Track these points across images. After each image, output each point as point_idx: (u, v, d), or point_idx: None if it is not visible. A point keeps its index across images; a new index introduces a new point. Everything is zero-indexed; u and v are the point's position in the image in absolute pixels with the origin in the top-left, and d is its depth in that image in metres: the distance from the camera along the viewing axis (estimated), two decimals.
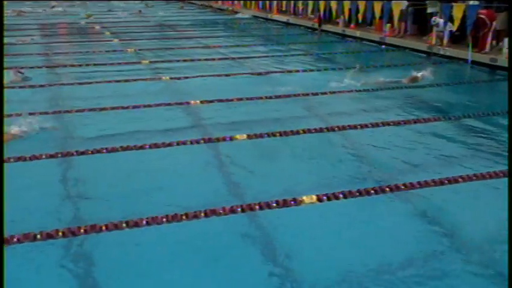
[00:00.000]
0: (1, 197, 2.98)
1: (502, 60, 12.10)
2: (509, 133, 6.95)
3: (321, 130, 7.18)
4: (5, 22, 8.04)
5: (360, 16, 17.84)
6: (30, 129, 6.87)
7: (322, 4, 19.94)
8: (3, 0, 8.04)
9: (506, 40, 12.35)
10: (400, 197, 5.16)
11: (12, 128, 6.71)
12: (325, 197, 4.93)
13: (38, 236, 4.22)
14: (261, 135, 6.87)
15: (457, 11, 13.55)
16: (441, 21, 13.96)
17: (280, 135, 6.94)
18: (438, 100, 9.40)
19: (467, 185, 5.41)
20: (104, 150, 6.23)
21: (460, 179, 5.44)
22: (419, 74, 10.56)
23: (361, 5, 17.59)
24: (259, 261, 4.05)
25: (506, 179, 5.52)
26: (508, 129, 7.15)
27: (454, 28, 13.79)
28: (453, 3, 14.04)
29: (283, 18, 23.57)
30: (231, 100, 8.82)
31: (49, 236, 4.25)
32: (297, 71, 11.96)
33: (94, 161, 6.10)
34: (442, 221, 4.74)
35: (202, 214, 4.59)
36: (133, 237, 4.34)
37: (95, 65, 12.38)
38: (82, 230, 4.33)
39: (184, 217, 4.54)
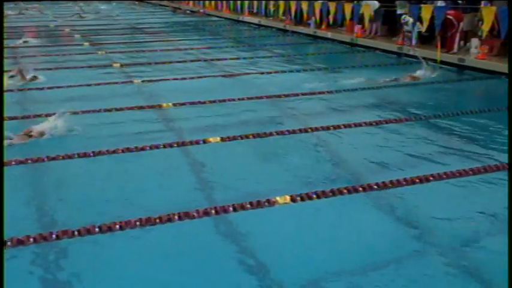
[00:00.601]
0: (1, 197, 2.94)
1: (470, 60, 12.35)
2: (509, 133, 6.99)
3: (293, 132, 7.21)
4: None
5: (330, 17, 18.00)
6: None
7: (293, 5, 20.05)
8: (3, 0, 7.90)
9: (473, 40, 12.62)
10: (373, 196, 5.22)
11: None
12: (298, 198, 4.96)
13: (9, 243, 4.14)
14: (234, 138, 6.87)
15: (426, 12, 13.79)
16: (410, 19, 14.19)
17: (254, 137, 6.95)
18: (409, 100, 9.55)
19: (438, 183, 5.49)
20: (75, 155, 6.16)
21: (431, 178, 5.52)
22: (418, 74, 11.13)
23: (332, 7, 17.74)
24: (234, 263, 4.05)
25: (475, 177, 5.64)
26: (508, 128, 7.21)
27: (423, 29, 14.03)
28: (421, 5, 14.28)
29: (254, 19, 23.63)
30: (204, 102, 8.80)
31: (20, 242, 4.18)
32: (269, 72, 12.01)
33: (65, 165, 6.03)
34: (415, 220, 4.80)
35: (176, 217, 4.58)
36: (106, 241, 4.30)
37: (65, 68, 12.22)
38: (54, 236, 4.27)
39: (158, 220, 4.52)
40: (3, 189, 3.05)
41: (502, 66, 11.48)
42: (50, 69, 11.91)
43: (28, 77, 10.53)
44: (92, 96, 9.38)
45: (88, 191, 5.37)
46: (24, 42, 16.70)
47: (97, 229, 4.36)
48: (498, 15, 11.66)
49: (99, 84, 10.33)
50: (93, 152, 6.24)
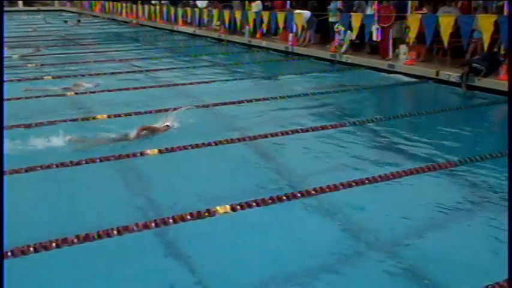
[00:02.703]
0: (1, 198, 2.81)
1: (399, 66, 12.82)
2: (509, 133, 7.20)
3: (232, 140, 7.24)
4: None
5: (264, 26, 18.20)
6: None
7: (226, 15, 20.14)
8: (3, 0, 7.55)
9: (401, 47, 13.12)
10: (312, 201, 5.31)
11: None
12: (238, 207, 4.97)
13: None
14: (172, 149, 6.81)
15: (355, 21, 14.19)
16: (342, 28, 14.57)
17: (192, 147, 6.92)
18: (344, 106, 9.79)
19: (373, 186, 5.65)
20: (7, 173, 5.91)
21: (366, 181, 5.68)
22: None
23: (265, 16, 17.96)
24: (174, 275, 4.02)
25: (409, 177, 5.85)
26: (508, 130, 7.40)
27: (353, 37, 14.43)
28: (352, 13, 14.70)
29: (189, 29, 23.57)
30: (139, 113, 8.69)
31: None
32: (206, 82, 11.99)
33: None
34: (354, 223, 4.92)
35: (115, 232, 4.49)
36: (42, 260, 4.16)
37: None
38: None
39: (96, 236, 4.42)
40: (3, 190, 2.93)
41: (428, 71, 11.99)
42: None
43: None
44: (21, 111, 9.05)
45: (22, 210, 5.16)
46: None
47: (31, 249, 4.22)
48: (423, 23, 12.15)
49: (29, 97, 9.99)
50: (25, 168, 6.01)
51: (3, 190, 2.96)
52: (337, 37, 14.78)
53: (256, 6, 19.32)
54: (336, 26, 14.87)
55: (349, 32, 14.41)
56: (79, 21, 31.68)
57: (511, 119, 7.01)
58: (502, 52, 10.80)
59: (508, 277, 3.58)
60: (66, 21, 31.04)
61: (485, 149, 6.92)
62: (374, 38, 13.69)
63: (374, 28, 13.50)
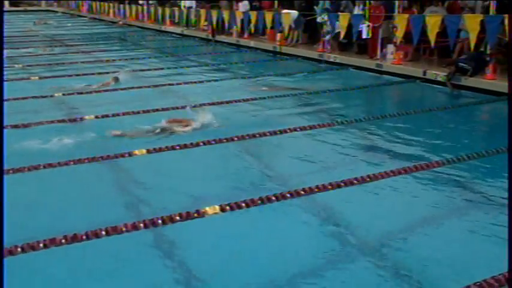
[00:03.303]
0: (1, 198, 2.78)
1: (386, 65, 12.88)
2: (509, 134, 7.18)
3: (220, 140, 7.23)
4: None
5: (252, 26, 18.19)
6: None
7: (214, 14, 20.11)
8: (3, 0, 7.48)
9: (389, 46, 13.18)
10: (301, 201, 5.32)
11: None
12: (228, 207, 4.97)
13: None
14: (160, 149, 6.80)
15: (343, 20, 14.23)
16: (328, 22, 14.65)
17: (180, 148, 6.90)
18: (333, 105, 9.82)
19: (361, 186, 5.67)
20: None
21: (355, 181, 5.70)
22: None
23: (253, 16, 17.96)
24: (165, 276, 4.01)
25: (397, 177, 5.88)
26: (508, 130, 7.36)
27: (342, 30, 14.34)
28: (339, 13, 14.74)
29: (177, 29, 23.51)
30: (127, 113, 8.66)
31: None
32: (194, 82, 11.97)
33: None
34: (343, 223, 4.92)
35: (104, 233, 4.47)
36: (29, 260, 4.13)
37: None
38: None
39: (84, 237, 4.40)
40: (3, 191, 2.90)
41: (415, 71, 12.07)
42: None
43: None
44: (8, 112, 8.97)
45: (13, 211, 5.11)
46: None
47: (19, 249, 4.19)
48: (411, 23, 12.22)
49: (16, 99, 9.91)
50: (12, 169, 5.95)
51: (3, 190, 2.93)
52: (324, 30, 14.85)
53: (243, 6, 19.33)
54: (321, 16, 14.88)
55: (337, 23, 14.41)
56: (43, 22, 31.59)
57: (511, 118, 7.06)
58: (489, 52, 10.90)
59: (508, 276, 3.64)
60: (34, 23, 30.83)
61: (472, 148, 6.97)
62: (364, 36, 13.69)
63: (365, 26, 13.49)
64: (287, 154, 6.94)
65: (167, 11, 24.46)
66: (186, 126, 7.78)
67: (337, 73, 13.54)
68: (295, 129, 7.82)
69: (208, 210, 4.89)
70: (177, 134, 7.59)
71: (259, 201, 5.13)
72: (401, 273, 4.06)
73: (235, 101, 9.72)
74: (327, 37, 14.72)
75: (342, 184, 5.60)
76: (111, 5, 31.77)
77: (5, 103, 9.45)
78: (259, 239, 4.63)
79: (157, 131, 7.61)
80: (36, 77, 12.36)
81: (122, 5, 30.21)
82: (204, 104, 9.33)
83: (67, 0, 42.82)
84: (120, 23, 29.33)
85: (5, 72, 12.95)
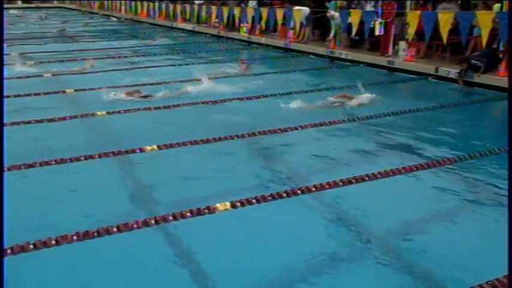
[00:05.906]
0: (1, 198, 2.81)
1: (398, 62, 12.81)
2: (509, 134, 7.20)
3: (231, 137, 7.22)
4: None
5: (263, 23, 18.19)
6: None
7: (225, 11, 20.12)
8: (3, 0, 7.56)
9: (401, 43, 13.10)
10: (312, 198, 5.31)
11: None
12: (238, 203, 4.97)
13: None
14: (171, 145, 6.80)
15: (355, 17, 14.17)
16: (336, 13, 14.60)
17: (191, 143, 6.91)
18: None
19: (373, 183, 5.62)
20: (5, 169, 5.90)
21: (366, 178, 5.67)
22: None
23: (264, 12, 17.95)
24: (177, 273, 4.02)
25: (408, 174, 5.85)
26: (508, 130, 7.35)
27: (354, 27, 14.28)
28: (350, 10, 14.68)
29: (188, 26, 23.55)
30: (139, 110, 8.69)
31: None
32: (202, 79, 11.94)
33: None
34: (354, 220, 4.93)
35: (115, 229, 4.48)
36: (40, 257, 4.16)
37: None
38: None
39: (95, 234, 4.41)
40: (3, 191, 2.93)
41: (428, 68, 11.99)
42: None
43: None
44: (22, 108, 9.04)
45: (21, 206, 5.15)
46: None
47: (31, 246, 4.21)
48: (423, 19, 12.14)
49: (28, 95, 9.98)
50: (24, 164, 5.99)
51: (3, 190, 2.95)
52: (332, 22, 14.87)
53: (251, 5, 19.32)
54: (328, 11, 14.88)
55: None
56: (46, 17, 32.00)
57: (511, 116, 6.99)
58: (502, 49, 10.80)
59: (508, 275, 3.60)
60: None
61: (484, 145, 6.92)
62: (377, 33, 13.61)
63: (377, 23, 13.41)
64: (298, 151, 6.93)
65: (178, 8, 24.54)
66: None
67: (348, 70, 13.50)
68: (306, 126, 7.77)
69: (219, 206, 4.89)
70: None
71: (270, 198, 5.11)
72: (414, 271, 4.05)
73: (247, 98, 9.71)
74: (331, 35, 14.71)
75: (353, 180, 5.57)
76: (123, 2, 31.90)
77: (14, 99, 9.56)
78: (271, 235, 4.62)
79: None
80: (49, 74, 12.40)
81: (133, 2, 30.30)
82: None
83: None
84: (127, 19, 29.41)
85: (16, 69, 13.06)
